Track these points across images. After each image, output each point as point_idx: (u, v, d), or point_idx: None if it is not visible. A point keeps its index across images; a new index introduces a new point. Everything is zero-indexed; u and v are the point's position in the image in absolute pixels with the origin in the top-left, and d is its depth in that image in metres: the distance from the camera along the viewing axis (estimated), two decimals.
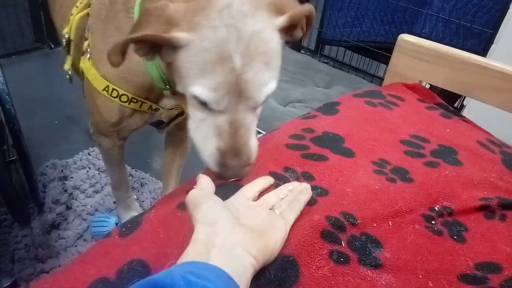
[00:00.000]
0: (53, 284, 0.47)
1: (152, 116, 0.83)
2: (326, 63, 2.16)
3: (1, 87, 0.82)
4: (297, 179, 0.58)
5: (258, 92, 0.55)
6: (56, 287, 0.46)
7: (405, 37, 0.88)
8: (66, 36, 0.84)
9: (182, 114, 0.84)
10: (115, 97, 0.75)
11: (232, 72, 0.52)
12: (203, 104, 0.56)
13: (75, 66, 0.86)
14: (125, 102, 0.75)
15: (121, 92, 0.75)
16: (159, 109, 0.79)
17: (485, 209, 0.58)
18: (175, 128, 0.98)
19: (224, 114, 0.56)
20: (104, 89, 0.75)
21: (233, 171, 0.57)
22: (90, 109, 0.84)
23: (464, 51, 0.83)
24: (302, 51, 2.29)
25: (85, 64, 0.77)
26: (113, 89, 0.75)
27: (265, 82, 0.55)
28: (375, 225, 0.53)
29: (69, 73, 0.87)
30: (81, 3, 0.81)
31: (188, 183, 0.61)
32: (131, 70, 0.72)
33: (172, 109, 0.80)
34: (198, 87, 0.54)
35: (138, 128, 0.86)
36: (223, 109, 0.55)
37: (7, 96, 0.83)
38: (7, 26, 1.89)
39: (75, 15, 0.81)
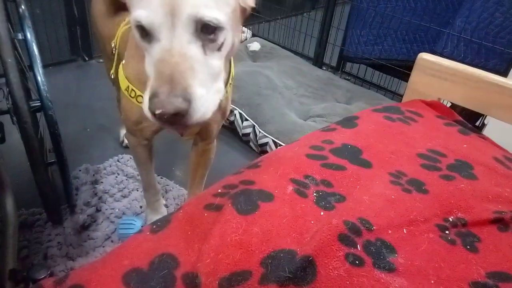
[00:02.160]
0: (92, 271, 0.52)
1: None
2: (348, 79, 2.19)
3: (45, 94, 0.90)
4: (317, 185, 0.62)
5: (193, 9, 0.54)
6: (94, 274, 0.51)
7: (424, 55, 0.92)
8: (113, 45, 0.94)
9: None
10: (133, 97, 0.82)
11: None
12: (143, 34, 0.57)
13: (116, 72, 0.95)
14: (140, 102, 0.81)
15: (138, 93, 0.81)
16: None
17: (499, 222, 0.60)
18: (198, 138, 1.03)
19: (161, 42, 0.56)
20: (125, 89, 0.83)
21: (159, 100, 0.52)
22: (120, 108, 0.92)
23: (482, 70, 0.86)
24: (324, 68, 2.34)
25: (120, 68, 0.86)
26: (132, 89, 0.82)
27: (203, 3, 0.55)
28: (390, 232, 0.56)
29: (112, 76, 0.96)
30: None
31: (214, 187, 0.65)
32: (144, 72, 0.79)
33: None
34: (137, 11, 0.56)
35: (158, 129, 0.92)
36: (159, 33, 0.55)
37: (49, 103, 0.91)
38: (45, 39, 2.01)
39: (121, 27, 0.90)
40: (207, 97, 0.57)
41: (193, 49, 0.57)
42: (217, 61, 0.61)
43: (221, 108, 0.92)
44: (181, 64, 0.55)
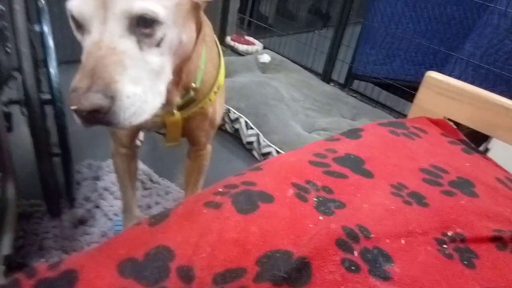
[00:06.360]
0: (87, 258, 0.52)
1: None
2: (354, 97, 2.21)
3: (56, 86, 0.91)
4: (317, 191, 0.62)
5: (127, 0, 0.51)
6: (89, 260, 0.51)
7: (432, 73, 0.93)
8: None
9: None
10: None
11: None
12: (78, 26, 0.54)
13: None
14: None
15: None
16: None
17: (498, 241, 0.59)
18: (189, 143, 0.99)
19: (92, 35, 0.52)
20: None
21: (77, 95, 0.47)
22: None
23: (489, 92, 0.86)
24: (332, 84, 2.35)
25: None
26: None
27: None
28: (388, 241, 0.55)
29: None
30: None
31: (215, 186, 0.66)
32: None
33: (155, 116, 0.77)
34: (71, 1, 0.53)
35: (132, 134, 0.88)
36: (90, 25, 0.52)
37: (59, 94, 0.92)
38: (60, 37, 2.05)
39: None
40: (142, 96, 0.53)
41: (125, 43, 0.52)
42: (156, 58, 0.56)
43: (208, 117, 0.88)
44: (107, 58, 0.50)
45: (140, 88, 0.53)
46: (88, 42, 0.53)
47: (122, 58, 0.52)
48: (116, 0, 0.52)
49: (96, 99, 0.48)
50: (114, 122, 0.52)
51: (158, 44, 0.56)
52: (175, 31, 0.58)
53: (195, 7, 0.63)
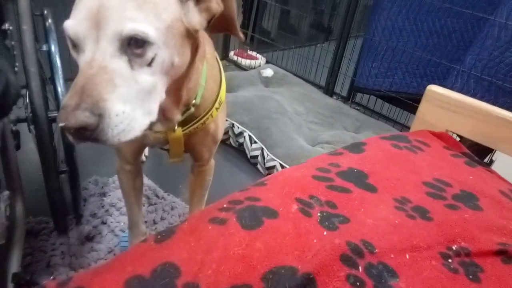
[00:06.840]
0: (95, 275, 0.52)
1: (143, 138, 0.82)
2: (357, 109, 2.22)
3: None
4: (321, 206, 0.63)
5: (118, 22, 0.53)
6: (97, 278, 0.52)
7: (433, 87, 0.94)
8: None
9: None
10: None
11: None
12: (73, 45, 0.56)
13: None
14: None
15: None
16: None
17: (503, 254, 0.59)
18: (192, 158, 1.00)
19: (85, 54, 0.54)
20: None
21: (65, 112, 0.48)
22: None
23: (490, 104, 0.87)
24: (334, 97, 2.37)
25: None
26: None
27: (130, 17, 0.53)
28: (392, 256, 0.56)
29: None
30: None
31: (220, 202, 0.66)
32: None
33: (158, 132, 0.81)
34: (68, 20, 0.54)
35: (136, 150, 0.90)
36: (84, 45, 0.54)
37: None
38: (66, 55, 2.08)
39: None
40: (131, 114, 0.54)
41: (117, 62, 0.54)
42: (147, 77, 0.58)
43: (210, 133, 0.89)
44: (97, 76, 0.52)
45: (129, 106, 0.55)
46: (81, 61, 0.55)
47: (112, 76, 0.53)
48: (108, 21, 0.54)
49: (83, 117, 0.49)
50: (102, 139, 0.53)
51: (149, 64, 0.58)
52: (167, 52, 0.59)
53: (188, 33, 0.65)
